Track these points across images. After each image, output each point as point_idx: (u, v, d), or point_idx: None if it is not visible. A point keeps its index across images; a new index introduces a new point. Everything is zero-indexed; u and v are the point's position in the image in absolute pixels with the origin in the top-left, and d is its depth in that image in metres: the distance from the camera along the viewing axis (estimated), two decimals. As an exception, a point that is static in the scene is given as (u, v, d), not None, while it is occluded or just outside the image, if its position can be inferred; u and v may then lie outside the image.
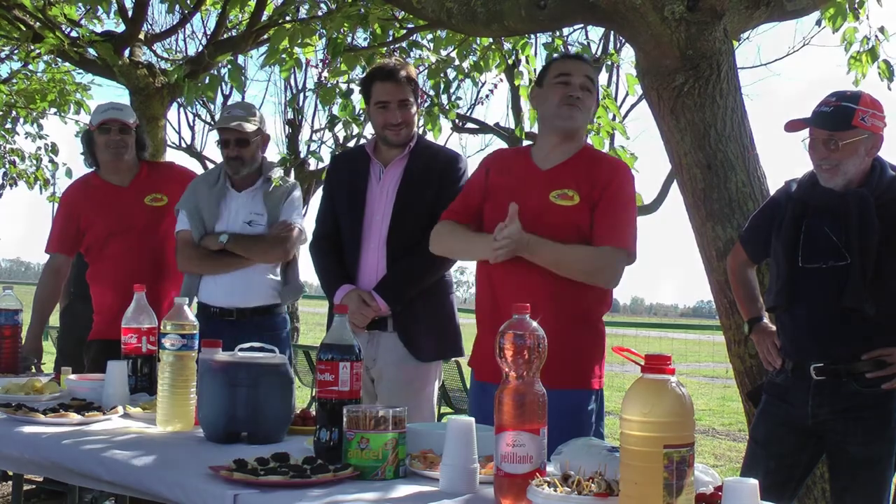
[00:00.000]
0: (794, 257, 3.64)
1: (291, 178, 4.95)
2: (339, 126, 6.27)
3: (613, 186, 3.56)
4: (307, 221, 4.78)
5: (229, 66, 5.69)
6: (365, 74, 4.40)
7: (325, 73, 6.97)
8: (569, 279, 3.48)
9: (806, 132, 3.62)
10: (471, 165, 4.20)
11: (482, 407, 3.64)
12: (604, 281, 3.55)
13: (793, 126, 3.64)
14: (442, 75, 6.84)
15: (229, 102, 14.90)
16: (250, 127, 4.67)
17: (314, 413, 3.01)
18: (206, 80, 5.47)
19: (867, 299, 3.49)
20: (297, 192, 4.80)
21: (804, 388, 3.63)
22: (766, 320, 3.90)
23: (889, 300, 3.55)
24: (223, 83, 5.57)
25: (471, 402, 3.85)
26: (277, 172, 4.78)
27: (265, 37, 7.96)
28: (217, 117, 13.97)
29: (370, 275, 4.15)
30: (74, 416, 3.20)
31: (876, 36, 6.37)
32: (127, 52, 8.45)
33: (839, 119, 3.52)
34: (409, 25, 6.21)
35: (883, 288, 3.53)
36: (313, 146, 14.17)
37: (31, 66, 11.58)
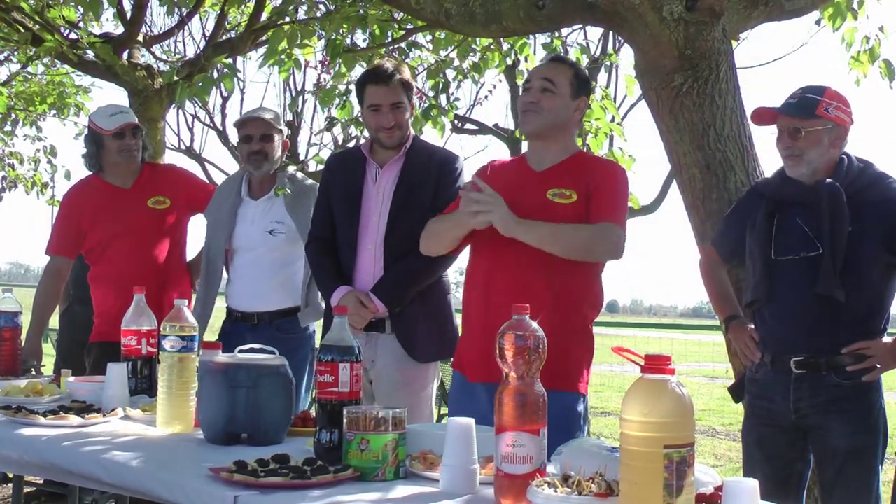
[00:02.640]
0: (768, 251, 3.70)
1: (310, 180, 4.93)
2: (338, 128, 6.27)
3: (607, 180, 3.62)
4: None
5: (224, 69, 5.68)
6: (358, 77, 4.39)
7: (325, 75, 6.97)
8: (564, 280, 3.49)
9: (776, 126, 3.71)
10: (470, 166, 4.20)
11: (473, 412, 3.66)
12: (608, 252, 3.56)
13: (759, 116, 3.75)
14: (441, 76, 6.83)
15: (227, 104, 14.89)
16: (274, 122, 4.71)
17: (314, 414, 3.01)
18: (200, 83, 5.45)
19: (838, 286, 3.53)
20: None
21: (784, 383, 3.67)
22: (742, 317, 3.93)
23: (864, 290, 3.60)
24: (217, 86, 5.52)
25: (459, 405, 3.72)
26: (282, 180, 4.77)
27: (263, 38, 7.96)
28: (216, 120, 13.97)
29: (366, 276, 4.15)
30: (74, 419, 3.20)
31: (876, 35, 6.36)
32: (125, 54, 8.44)
33: (803, 108, 3.63)
34: (408, 26, 6.21)
35: (857, 277, 3.57)
36: (312, 151, 14.15)
37: (30, 69, 11.58)
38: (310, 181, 4.90)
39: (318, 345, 4.83)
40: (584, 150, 6.28)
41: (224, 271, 4.87)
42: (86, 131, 5.21)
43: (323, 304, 4.80)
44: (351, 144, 7.04)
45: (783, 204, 3.71)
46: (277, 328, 4.64)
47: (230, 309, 4.80)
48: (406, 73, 4.26)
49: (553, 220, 3.51)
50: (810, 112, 3.61)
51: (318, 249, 4.29)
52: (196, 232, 5.32)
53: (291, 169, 4.92)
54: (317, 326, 4.86)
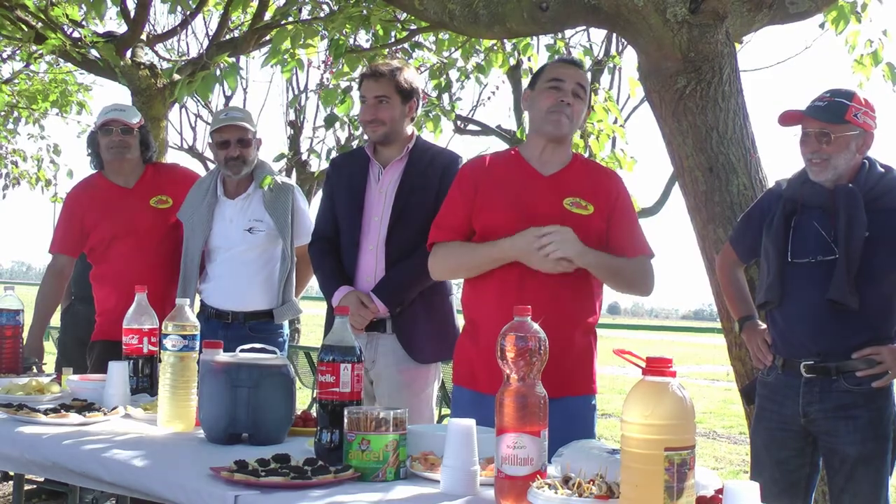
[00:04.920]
0: (784, 253, 3.68)
1: (285, 178, 4.92)
2: (338, 125, 6.27)
3: (622, 196, 3.61)
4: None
5: (226, 66, 5.68)
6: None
7: (328, 75, 6.96)
8: (566, 286, 3.46)
9: (799, 127, 3.67)
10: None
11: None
12: (647, 290, 3.63)
13: (786, 118, 3.69)
14: (444, 76, 6.84)
15: (230, 105, 14.92)
16: (249, 127, 4.71)
17: (315, 414, 3.01)
18: (202, 80, 5.45)
19: (852, 293, 3.52)
20: (300, 197, 4.80)
21: (794, 387, 3.66)
22: (756, 319, 3.92)
23: (878, 296, 3.58)
24: (220, 84, 5.53)
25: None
26: (263, 173, 4.77)
27: (267, 38, 7.96)
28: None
29: (368, 276, 4.14)
30: (75, 417, 3.20)
31: (879, 39, 6.36)
32: (129, 53, 8.45)
33: (832, 113, 3.59)
34: (412, 27, 6.21)
35: (871, 283, 3.56)
36: (315, 142, 14.15)
37: (32, 67, 11.58)
38: (286, 179, 4.90)
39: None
40: (587, 151, 6.28)
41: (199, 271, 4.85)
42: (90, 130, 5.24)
43: (299, 303, 4.82)
44: (354, 144, 7.05)
45: (801, 206, 3.69)
46: (251, 328, 4.63)
47: (204, 305, 4.78)
48: (406, 74, 4.23)
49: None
50: (839, 117, 3.58)
51: (321, 249, 4.29)
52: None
53: (273, 166, 4.92)
54: (287, 325, 4.88)
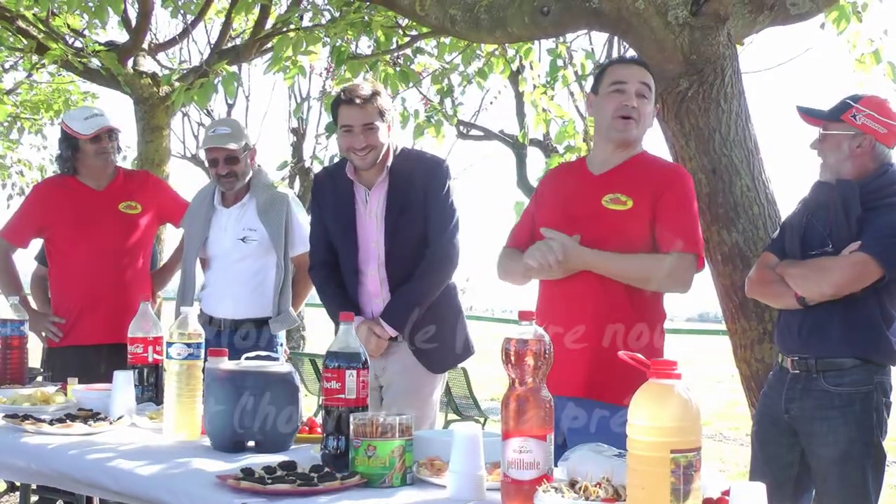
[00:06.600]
0: (792, 251, 3.69)
1: (282, 188, 4.89)
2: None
3: (671, 189, 3.44)
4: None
5: (224, 75, 5.69)
6: (332, 99, 4.31)
7: (330, 82, 6.97)
8: (642, 297, 3.41)
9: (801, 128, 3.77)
10: (474, 171, 4.17)
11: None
12: (677, 286, 3.41)
13: (803, 114, 3.74)
14: (445, 81, 6.84)
15: (231, 114, 14.92)
16: (236, 144, 4.66)
17: (320, 421, 3.01)
18: (199, 88, 5.45)
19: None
20: (295, 207, 4.78)
21: (782, 382, 3.68)
22: None
23: (868, 295, 3.54)
24: (217, 91, 5.53)
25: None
26: (262, 178, 4.78)
27: (269, 45, 7.97)
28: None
29: (375, 298, 4.10)
30: (81, 427, 3.20)
31: (880, 38, 6.35)
32: (131, 62, 8.45)
33: (831, 112, 3.63)
34: (413, 32, 6.21)
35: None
36: (318, 149, 14.17)
37: (35, 77, 11.61)
38: (282, 190, 4.87)
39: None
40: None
41: (199, 280, 4.85)
42: (60, 134, 5.19)
43: (304, 311, 4.81)
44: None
45: (810, 205, 3.72)
46: (241, 337, 4.61)
47: (202, 312, 4.77)
48: (382, 97, 4.12)
49: (603, 228, 3.41)
50: (835, 116, 3.60)
51: (322, 276, 4.22)
52: (174, 242, 5.34)
53: (277, 174, 4.92)
54: (283, 336, 4.86)
